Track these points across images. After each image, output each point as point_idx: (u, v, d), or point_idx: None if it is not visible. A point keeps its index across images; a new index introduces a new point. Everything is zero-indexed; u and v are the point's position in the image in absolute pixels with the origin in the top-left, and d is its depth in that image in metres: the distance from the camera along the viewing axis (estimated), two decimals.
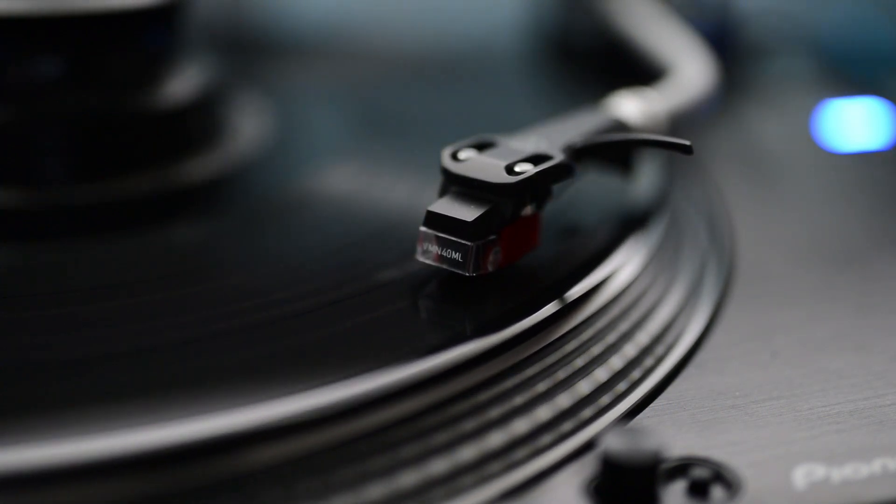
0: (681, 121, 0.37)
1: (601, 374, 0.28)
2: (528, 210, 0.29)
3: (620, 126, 0.34)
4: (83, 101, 0.38)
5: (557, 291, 0.29)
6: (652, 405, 0.28)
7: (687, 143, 0.30)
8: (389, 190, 0.38)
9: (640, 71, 0.45)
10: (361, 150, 0.42)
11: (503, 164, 0.29)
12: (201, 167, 0.39)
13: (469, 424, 0.25)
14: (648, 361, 0.29)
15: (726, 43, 0.52)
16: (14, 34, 0.37)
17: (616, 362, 0.29)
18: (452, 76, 0.53)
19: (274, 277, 0.32)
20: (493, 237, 0.29)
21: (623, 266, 0.32)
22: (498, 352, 0.27)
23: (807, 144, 0.46)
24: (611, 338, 0.29)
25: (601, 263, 0.31)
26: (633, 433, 0.24)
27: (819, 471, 0.25)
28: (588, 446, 0.26)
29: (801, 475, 0.25)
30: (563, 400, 0.27)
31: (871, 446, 0.26)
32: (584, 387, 0.28)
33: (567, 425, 0.27)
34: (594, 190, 0.35)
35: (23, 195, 0.37)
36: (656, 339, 0.30)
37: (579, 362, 0.28)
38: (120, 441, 0.23)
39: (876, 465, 0.26)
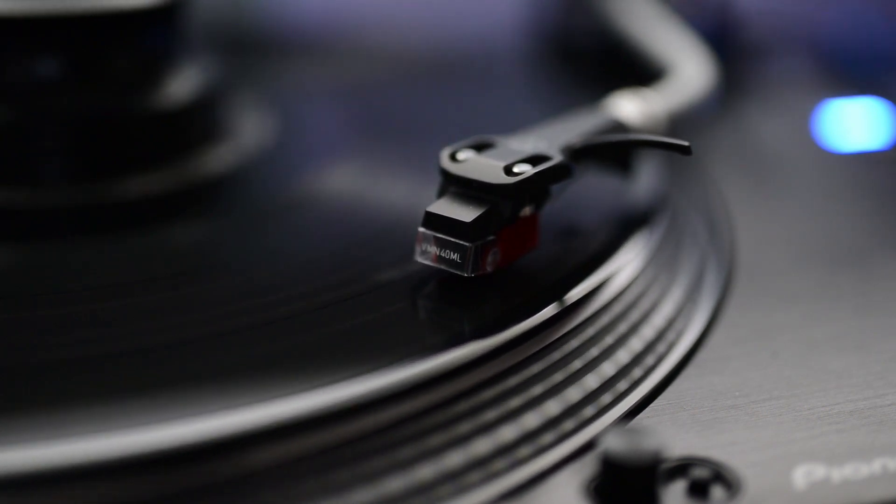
0: (680, 121, 0.37)
1: (600, 375, 0.28)
2: (526, 211, 0.29)
3: (619, 126, 0.34)
4: (83, 101, 0.38)
5: (557, 292, 0.29)
6: (652, 405, 0.28)
7: (686, 143, 0.30)
8: (389, 190, 0.38)
9: (640, 71, 0.45)
10: (361, 150, 0.42)
11: (502, 164, 0.29)
12: (201, 167, 0.39)
13: (468, 425, 0.25)
14: (648, 361, 0.29)
15: (726, 43, 0.52)
16: (14, 34, 0.37)
17: (615, 364, 0.29)
18: (452, 76, 0.53)
19: (274, 277, 0.32)
20: (491, 238, 0.29)
21: (623, 266, 0.32)
22: (497, 353, 0.27)
23: (807, 144, 0.46)
24: (610, 339, 0.29)
25: (601, 264, 0.31)
26: (633, 433, 0.24)
27: (819, 471, 0.25)
28: (588, 446, 0.26)
29: (801, 475, 0.25)
30: (562, 400, 0.27)
31: (871, 446, 0.26)
32: (582, 387, 0.28)
33: (567, 425, 0.27)
34: (593, 190, 0.35)
35: (23, 195, 0.37)
36: (656, 340, 0.30)
37: (578, 363, 0.28)
38: (120, 441, 0.23)
39: (876, 465, 0.26)
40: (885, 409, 0.28)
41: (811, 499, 0.25)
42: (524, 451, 0.26)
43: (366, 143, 0.43)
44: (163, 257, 0.34)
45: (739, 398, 0.28)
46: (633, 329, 0.30)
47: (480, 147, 0.31)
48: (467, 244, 0.28)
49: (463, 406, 0.26)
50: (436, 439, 0.25)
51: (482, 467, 0.25)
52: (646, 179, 0.37)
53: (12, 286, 0.32)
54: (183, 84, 0.40)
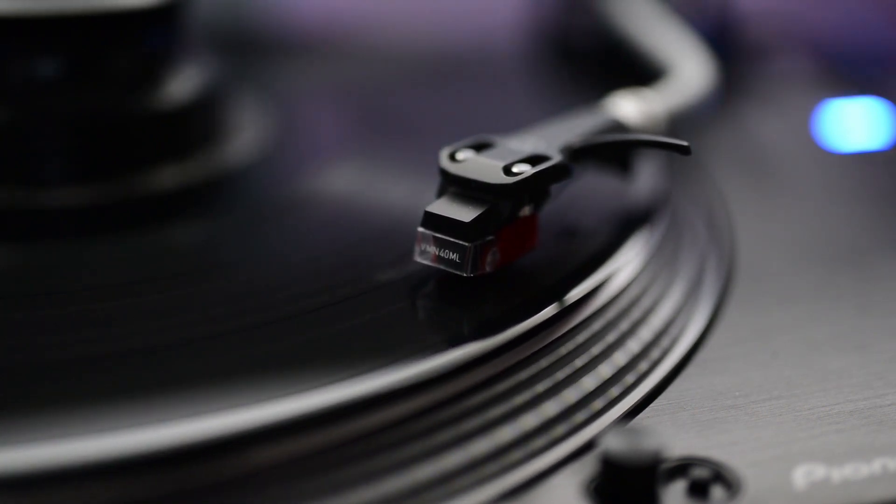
0: (680, 121, 0.37)
1: (601, 375, 0.28)
2: (526, 211, 0.29)
3: (619, 126, 0.34)
4: (83, 101, 0.38)
5: (556, 292, 0.29)
6: (652, 405, 0.28)
7: (685, 143, 0.30)
8: (389, 190, 0.38)
9: (640, 71, 0.45)
10: (361, 150, 0.42)
11: (501, 164, 0.29)
12: (201, 167, 0.39)
13: (468, 425, 0.25)
14: (648, 362, 0.29)
15: (726, 43, 0.52)
16: (14, 34, 0.37)
17: (616, 362, 0.29)
18: (452, 76, 0.53)
19: (273, 278, 0.32)
20: (490, 238, 0.29)
21: (623, 266, 0.32)
22: (497, 353, 0.27)
23: (807, 144, 0.46)
24: (611, 338, 0.29)
25: (601, 264, 0.31)
26: (633, 433, 0.24)
27: (819, 471, 0.25)
28: (588, 446, 0.26)
29: (801, 475, 0.25)
30: (563, 400, 0.27)
31: (871, 446, 0.26)
32: (583, 387, 0.28)
33: (567, 426, 0.27)
34: (593, 190, 0.35)
35: (23, 195, 0.37)
36: (656, 340, 0.30)
37: (579, 363, 0.28)
38: (120, 441, 0.23)
39: (876, 465, 0.26)
40: (885, 409, 0.28)
41: (811, 499, 0.25)
42: (524, 450, 0.26)
43: (365, 144, 0.43)
44: (163, 257, 0.34)
45: (739, 398, 0.28)
46: (633, 329, 0.30)
47: (480, 147, 0.31)
48: (466, 244, 0.28)
49: (462, 406, 0.26)
50: (435, 439, 0.25)
51: (480, 467, 0.25)
52: (645, 179, 0.37)
53: (12, 286, 0.32)
54: (183, 84, 0.40)
